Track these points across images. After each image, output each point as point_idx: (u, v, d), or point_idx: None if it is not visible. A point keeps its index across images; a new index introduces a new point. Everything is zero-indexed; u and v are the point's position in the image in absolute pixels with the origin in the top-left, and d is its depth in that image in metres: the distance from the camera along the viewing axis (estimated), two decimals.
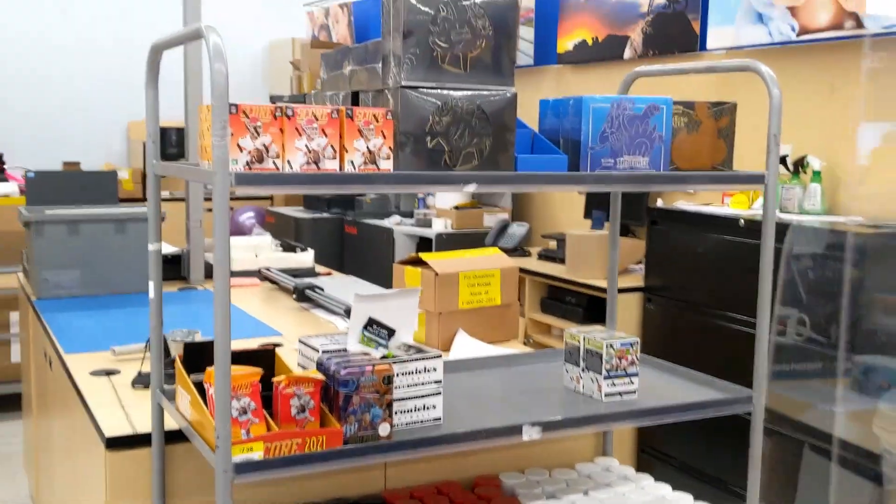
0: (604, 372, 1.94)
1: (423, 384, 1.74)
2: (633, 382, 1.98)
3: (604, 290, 3.83)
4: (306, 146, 1.49)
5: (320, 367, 1.66)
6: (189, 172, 1.55)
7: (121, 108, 7.46)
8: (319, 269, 3.80)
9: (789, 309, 3.00)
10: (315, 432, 1.55)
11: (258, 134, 1.45)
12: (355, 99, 1.77)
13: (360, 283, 3.51)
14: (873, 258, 2.85)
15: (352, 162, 1.53)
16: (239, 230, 6.49)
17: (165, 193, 7.18)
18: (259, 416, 1.55)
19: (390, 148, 1.56)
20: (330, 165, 1.51)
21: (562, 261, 4.21)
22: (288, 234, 5.77)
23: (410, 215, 5.36)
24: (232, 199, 6.20)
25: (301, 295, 3.13)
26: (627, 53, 4.44)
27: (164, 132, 7.21)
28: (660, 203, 4.07)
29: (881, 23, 3.15)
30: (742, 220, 3.30)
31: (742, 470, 3.33)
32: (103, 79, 7.40)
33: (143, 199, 7.01)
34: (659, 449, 3.73)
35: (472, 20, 1.62)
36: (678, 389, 2.08)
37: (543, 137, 1.81)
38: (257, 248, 3.63)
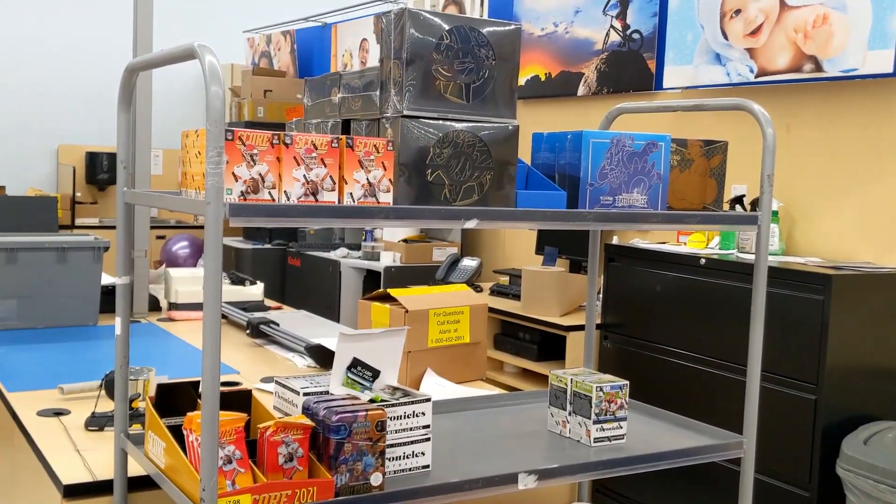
0: (593, 416, 1.88)
1: (411, 429, 1.65)
2: (621, 427, 1.91)
3: (559, 327, 3.79)
4: (304, 176, 1.40)
5: (307, 411, 1.55)
6: (175, 202, 1.44)
7: (50, 130, 7.18)
8: (269, 302, 3.66)
9: None
10: (305, 483, 1.44)
11: (254, 162, 1.35)
12: (346, 128, 1.68)
13: (314, 319, 3.39)
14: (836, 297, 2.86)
15: (351, 194, 1.44)
16: (172, 261, 6.25)
17: (94, 220, 6.91)
18: (245, 466, 1.43)
19: (390, 180, 1.48)
20: (329, 197, 1.42)
21: (515, 297, 4.15)
22: (227, 266, 5.59)
23: (356, 248, 5.24)
24: (166, 227, 5.90)
25: (255, 330, 3.00)
26: (581, 90, 4.44)
27: (94, 157, 6.95)
28: (615, 241, 4.05)
29: (839, 66, 3.19)
30: (703, 259, 3.30)
31: None
32: (32, 100, 7.12)
33: (72, 227, 6.72)
34: (612, 488, 3.68)
35: (475, 49, 1.55)
36: (663, 434, 2.02)
37: (539, 172, 1.74)
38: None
